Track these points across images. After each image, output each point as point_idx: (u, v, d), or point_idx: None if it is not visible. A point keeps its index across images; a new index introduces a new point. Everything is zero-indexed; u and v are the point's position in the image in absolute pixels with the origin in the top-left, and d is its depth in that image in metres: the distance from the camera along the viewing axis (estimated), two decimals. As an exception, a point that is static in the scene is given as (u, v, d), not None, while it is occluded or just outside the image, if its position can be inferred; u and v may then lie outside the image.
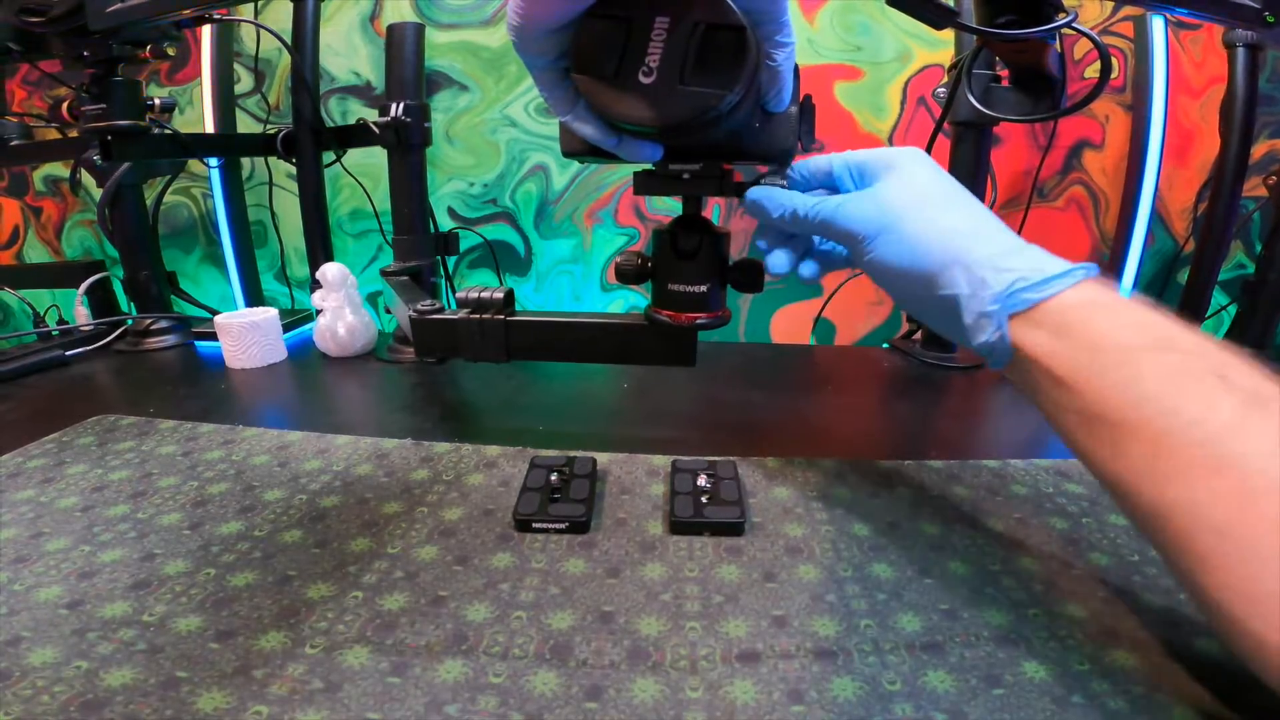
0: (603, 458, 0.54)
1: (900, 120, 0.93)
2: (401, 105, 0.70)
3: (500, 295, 0.51)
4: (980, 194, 0.75)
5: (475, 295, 0.51)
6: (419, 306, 0.54)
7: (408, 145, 0.72)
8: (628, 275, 0.45)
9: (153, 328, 0.91)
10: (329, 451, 0.56)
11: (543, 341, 0.52)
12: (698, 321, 0.44)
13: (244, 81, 0.99)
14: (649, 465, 0.53)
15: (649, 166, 0.41)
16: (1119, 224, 0.95)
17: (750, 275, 0.44)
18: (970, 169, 0.73)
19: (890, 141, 0.93)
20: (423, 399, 0.69)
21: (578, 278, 1.01)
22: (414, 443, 0.58)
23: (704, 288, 0.43)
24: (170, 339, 0.90)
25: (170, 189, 1.03)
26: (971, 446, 0.59)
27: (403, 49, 0.73)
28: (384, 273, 0.73)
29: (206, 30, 0.88)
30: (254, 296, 0.97)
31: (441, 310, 0.53)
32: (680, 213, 0.44)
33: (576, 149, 0.40)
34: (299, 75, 0.80)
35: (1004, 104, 0.68)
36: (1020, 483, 0.50)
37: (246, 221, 0.93)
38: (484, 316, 0.51)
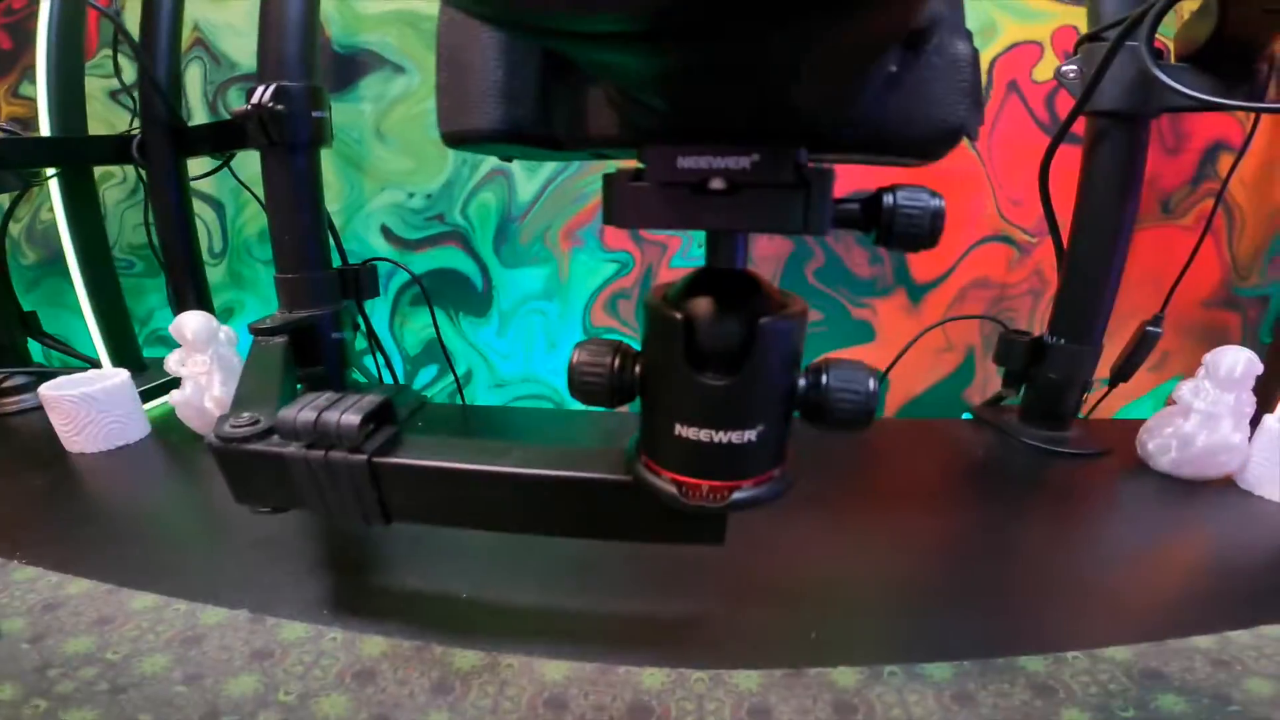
0: (556, 670, 0.31)
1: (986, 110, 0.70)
2: (269, 88, 0.47)
3: (359, 414, 0.28)
4: (1134, 210, 0.52)
5: (312, 413, 0.28)
6: (229, 424, 0.31)
7: (287, 145, 0.49)
8: (596, 393, 0.23)
9: (5, 385, 0.70)
10: (113, 623, 0.36)
11: (445, 501, 0.29)
12: (730, 499, 0.22)
13: (128, 72, 0.76)
14: (635, 687, 0.30)
15: (637, 167, 0.19)
16: (1258, 248, 0.73)
17: (847, 401, 0.22)
18: (1117, 177, 0.50)
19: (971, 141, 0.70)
20: (301, 521, 0.46)
21: (553, 318, 0.78)
22: (251, 619, 0.36)
23: (748, 434, 0.21)
24: (28, 399, 0.69)
25: (36, 206, 0.81)
26: (1136, 610, 0.35)
27: (281, 9, 0.50)
28: (254, 329, 0.50)
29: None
30: (120, 346, 0.74)
31: (265, 435, 0.30)
32: (703, 265, 0.22)
33: (467, 127, 0.19)
34: (144, 53, 0.58)
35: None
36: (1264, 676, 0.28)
37: (105, 248, 0.70)
38: (330, 453, 0.28)
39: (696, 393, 0.20)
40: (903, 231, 0.19)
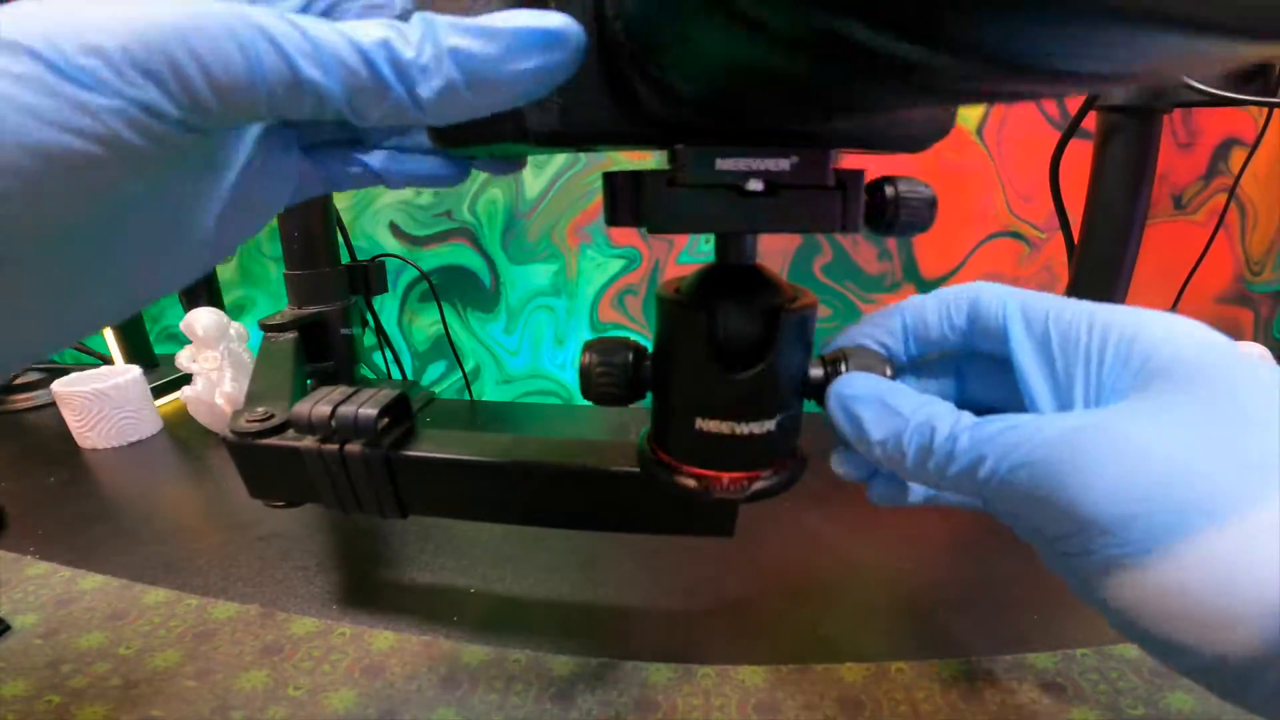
0: (563, 665, 0.31)
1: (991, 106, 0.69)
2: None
3: (376, 408, 0.28)
4: (1146, 205, 0.51)
5: (327, 407, 0.28)
6: (244, 419, 0.31)
7: (296, 141, 0.50)
8: (613, 396, 0.22)
9: (19, 382, 0.71)
10: (125, 618, 0.36)
11: (460, 494, 0.29)
12: (752, 489, 0.21)
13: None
14: (642, 682, 0.30)
15: (668, 170, 0.18)
16: (1271, 244, 0.72)
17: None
18: (1128, 172, 0.49)
19: (980, 137, 0.69)
20: (312, 516, 0.46)
21: (560, 314, 0.78)
22: (262, 614, 0.36)
23: (768, 424, 0.21)
24: (42, 395, 0.71)
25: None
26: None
27: (292, 2, 0.50)
28: (264, 325, 0.50)
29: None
30: (132, 343, 0.75)
31: (280, 430, 0.30)
32: (710, 260, 0.21)
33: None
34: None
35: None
36: None
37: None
38: (346, 447, 0.28)
39: (719, 386, 0.20)
40: (906, 220, 0.19)
